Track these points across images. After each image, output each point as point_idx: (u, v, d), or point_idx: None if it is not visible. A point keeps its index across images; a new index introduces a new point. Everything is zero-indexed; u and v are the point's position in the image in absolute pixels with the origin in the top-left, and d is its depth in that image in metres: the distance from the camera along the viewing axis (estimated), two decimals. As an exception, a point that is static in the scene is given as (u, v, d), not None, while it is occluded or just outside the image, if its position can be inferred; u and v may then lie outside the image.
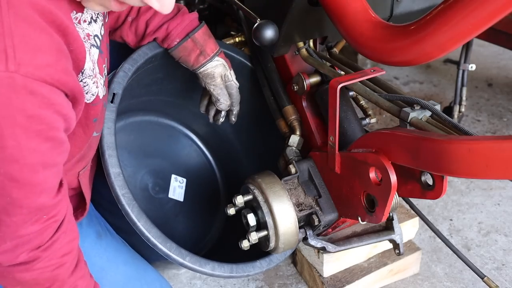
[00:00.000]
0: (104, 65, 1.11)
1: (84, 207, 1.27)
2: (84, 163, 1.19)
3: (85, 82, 1.01)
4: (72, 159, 1.12)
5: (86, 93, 1.02)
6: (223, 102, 1.44)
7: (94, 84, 1.04)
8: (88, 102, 1.04)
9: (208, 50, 1.37)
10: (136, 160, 1.66)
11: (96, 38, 1.05)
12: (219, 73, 1.40)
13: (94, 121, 1.10)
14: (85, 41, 0.99)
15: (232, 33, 1.75)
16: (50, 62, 0.85)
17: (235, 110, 1.50)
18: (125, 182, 1.22)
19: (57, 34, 0.88)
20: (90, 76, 1.02)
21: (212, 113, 1.54)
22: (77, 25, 0.96)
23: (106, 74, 1.14)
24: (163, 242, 1.23)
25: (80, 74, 0.99)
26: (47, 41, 0.85)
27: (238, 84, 1.46)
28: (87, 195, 1.27)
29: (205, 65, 1.38)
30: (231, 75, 1.43)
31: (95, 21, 1.04)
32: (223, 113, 1.51)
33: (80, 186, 1.23)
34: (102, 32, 1.09)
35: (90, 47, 1.02)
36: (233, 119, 1.52)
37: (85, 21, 1.00)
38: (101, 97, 1.09)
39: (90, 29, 1.02)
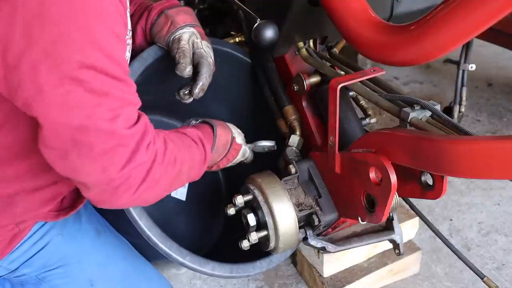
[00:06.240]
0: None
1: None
2: None
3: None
4: None
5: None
6: (183, 63, 1.28)
7: (128, 46, 1.07)
8: None
9: (179, 20, 1.32)
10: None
11: None
12: (186, 38, 1.31)
13: None
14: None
15: (232, 33, 1.75)
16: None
17: (201, 82, 1.29)
18: None
19: None
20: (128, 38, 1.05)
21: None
22: None
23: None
24: (163, 241, 1.23)
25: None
26: None
27: (212, 58, 1.34)
28: None
29: (174, 33, 1.31)
30: (203, 45, 1.32)
31: None
32: (196, 90, 1.30)
33: None
34: None
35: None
36: (196, 91, 1.29)
37: None
38: None
39: None
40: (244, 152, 1.37)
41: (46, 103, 0.89)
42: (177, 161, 1.10)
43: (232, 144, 1.32)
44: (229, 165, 1.37)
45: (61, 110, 0.90)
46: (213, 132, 1.26)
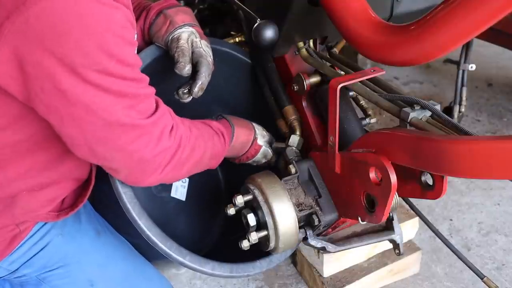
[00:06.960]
0: None
1: (86, 193, 1.29)
2: None
3: None
4: None
5: None
6: (182, 62, 1.28)
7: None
8: None
9: (178, 20, 1.33)
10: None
11: None
12: (185, 37, 1.31)
13: None
14: None
15: (232, 33, 1.75)
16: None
17: (200, 81, 1.29)
18: None
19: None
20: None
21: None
22: None
23: None
24: (163, 241, 1.23)
25: None
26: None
27: (211, 57, 1.34)
28: (93, 180, 1.30)
29: (173, 32, 1.31)
30: (202, 44, 1.33)
31: None
32: (196, 89, 1.31)
33: (88, 176, 1.28)
34: None
35: None
36: (195, 90, 1.29)
37: None
38: None
39: None
40: (265, 153, 1.44)
41: (68, 109, 0.96)
42: (201, 147, 1.21)
43: (253, 144, 1.40)
44: (249, 161, 1.46)
45: (86, 112, 0.97)
46: (232, 130, 1.34)
